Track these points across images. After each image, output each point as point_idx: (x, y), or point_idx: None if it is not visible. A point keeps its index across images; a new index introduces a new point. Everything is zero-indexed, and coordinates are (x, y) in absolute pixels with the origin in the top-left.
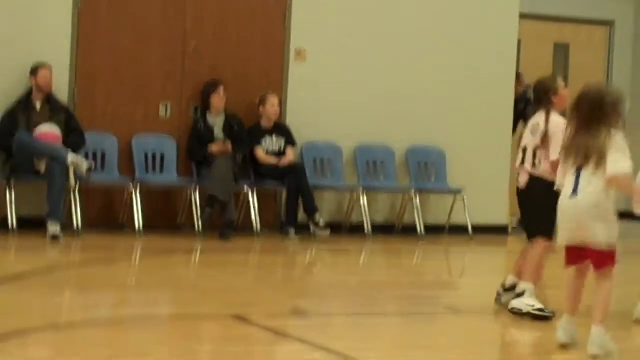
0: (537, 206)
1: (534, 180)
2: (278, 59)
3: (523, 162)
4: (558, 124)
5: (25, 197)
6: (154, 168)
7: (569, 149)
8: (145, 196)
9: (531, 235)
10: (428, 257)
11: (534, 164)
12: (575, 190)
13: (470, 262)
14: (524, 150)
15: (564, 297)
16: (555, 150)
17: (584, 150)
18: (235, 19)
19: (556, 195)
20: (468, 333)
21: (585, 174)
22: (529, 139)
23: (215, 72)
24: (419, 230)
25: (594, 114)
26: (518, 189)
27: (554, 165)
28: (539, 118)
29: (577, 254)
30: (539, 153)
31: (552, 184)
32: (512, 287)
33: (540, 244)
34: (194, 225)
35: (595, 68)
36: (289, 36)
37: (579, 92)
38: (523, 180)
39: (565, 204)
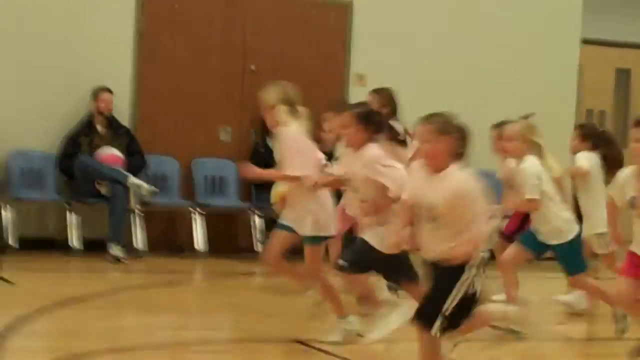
0: None
1: None
2: (338, 83)
3: None
4: None
5: (87, 219)
6: (214, 191)
7: None
8: (205, 219)
9: None
10: None
11: None
12: None
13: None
14: None
15: None
16: None
17: None
18: (296, 42)
19: None
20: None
21: None
22: None
23: None
24: None
25: None
26: None
27: None
28: None
29: None
30: None
31: None
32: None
33: None
34: (254, 249)
35: None
36: (349, 60)
37: None
38: None
39: None
